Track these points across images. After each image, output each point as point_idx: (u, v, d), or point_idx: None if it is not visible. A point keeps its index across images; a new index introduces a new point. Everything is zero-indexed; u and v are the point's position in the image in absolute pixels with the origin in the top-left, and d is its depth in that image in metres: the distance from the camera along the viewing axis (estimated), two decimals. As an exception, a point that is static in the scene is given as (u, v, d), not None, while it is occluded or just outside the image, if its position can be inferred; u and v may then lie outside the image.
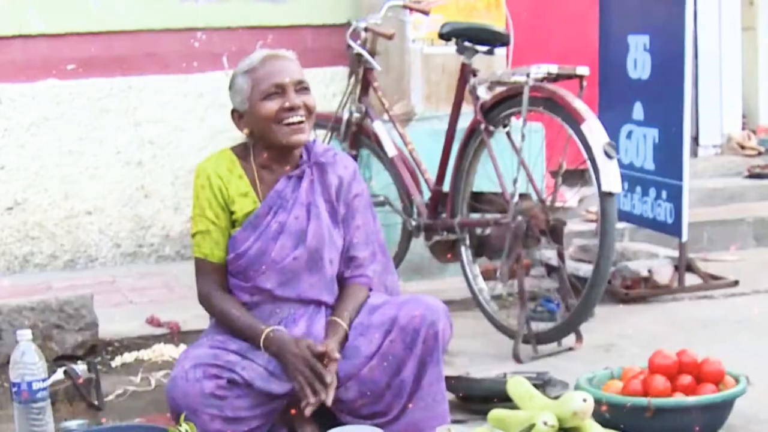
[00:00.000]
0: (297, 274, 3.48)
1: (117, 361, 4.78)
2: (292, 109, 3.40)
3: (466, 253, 4.95)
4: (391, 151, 5.30)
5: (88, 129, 6.50)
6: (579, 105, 4.36)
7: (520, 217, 4.51)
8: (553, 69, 4.49)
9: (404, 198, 5.29)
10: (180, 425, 2.95)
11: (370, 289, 3.58)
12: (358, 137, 5.47)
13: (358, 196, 3.59)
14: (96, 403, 3.72)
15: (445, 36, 4.89)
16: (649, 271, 5.41)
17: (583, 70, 4.47)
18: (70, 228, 6.49)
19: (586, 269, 5.52)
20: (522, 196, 4.59)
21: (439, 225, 5.03)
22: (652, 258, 5.57)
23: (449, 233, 4.98)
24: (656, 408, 3.26)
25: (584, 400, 3.15)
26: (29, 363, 3.42)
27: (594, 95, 6.01)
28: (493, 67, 5.90)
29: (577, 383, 3.54)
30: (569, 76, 4.53)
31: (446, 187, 5.04)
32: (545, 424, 3.13)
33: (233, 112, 3.53)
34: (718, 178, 7.64)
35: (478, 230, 4.90)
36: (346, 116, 5.45)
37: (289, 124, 3.41)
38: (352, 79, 5.43)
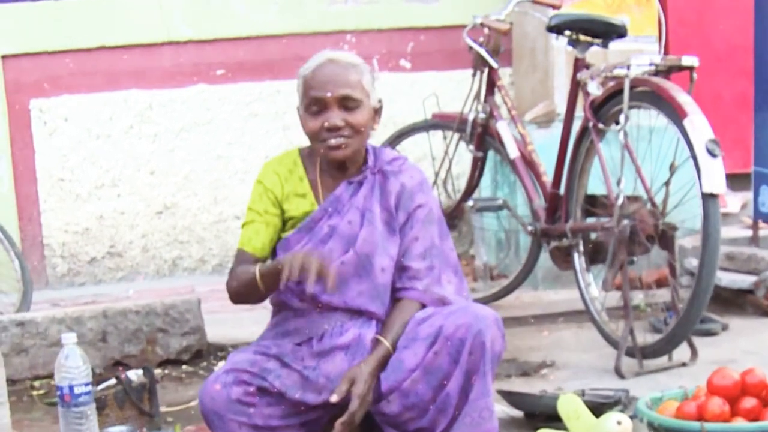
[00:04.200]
0: (345, 279, 3.29)
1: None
2: (330, 130, 3.22)
3: (579, 260, 4.65)
4: (513, 153, 5.05)
5: (237, 134, 6.52)
6: (683, 99, 4.00)
7: (625, 221, 4.18)
8: (656, 59, 4.14)
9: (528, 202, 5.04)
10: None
11: (424, 306, 3.32)
12: (484, 138, 5.25)
13: (421, 207, 3.34)
14: (146, 409, 3.63)
15: (554, 28, 4.61)
16: (796, 281, 4.94)
17: (690, 60, 4.10)
18: (219, 232, 6.52)
19: (729, 279, 5.13)
20: (632, 198, 4.26)
21: (556, 230, 4.75)
22: (803, 267, 5.09)
23: (565, 239, 4.69)
24: (711, 434, 2.91)
25: (618, 423, 2.85)
26: (72, 367, 3.39)
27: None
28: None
29: (637, 403, 3.22)
30: (678, 68, 4.17)
31: (563, 190, 4.75)
32: (575, 447, 2.85)
33: (298, 110, 3.35)
34: None
35: (593, 235, 4.59)
36: (471, 117, 5.24)
37: (327, 145, 3.23)
38: (476, 79, 5.21)
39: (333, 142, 3.21)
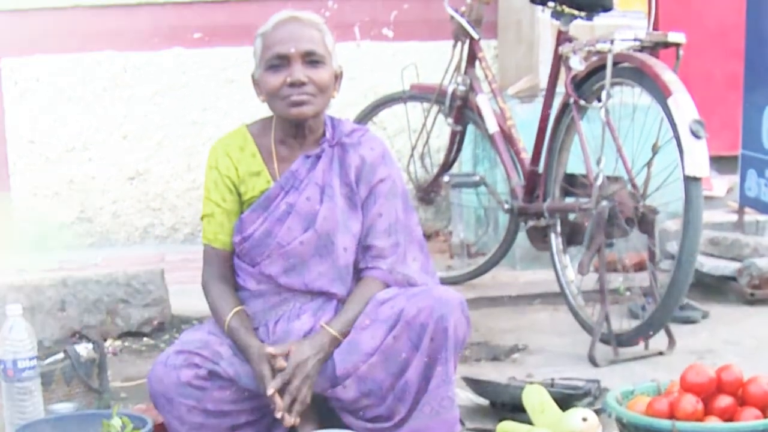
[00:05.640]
0: (304, 260, 3.14)
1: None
2: (293, 85, 3.06)
3: (555, 240, 4.49)
4: (492, 128, 4.89)
5: (213, 99, 6.34)
6: (668, 76, 3.83)
7: (604, 203, 4.02)
8: (641, 35, 3.96)
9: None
10: (112, 418, 2.66)
11: (388, 285, 3.16)
12: (463, 111, 5.08)
13: (383, 181, 3.19)
14: (95, 385, 3.47)
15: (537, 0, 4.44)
16: (780, 269, 4.79)
17: (677, 36, 3.92)
18: (192, 200, 6.34)
19: (711, 265, 4.98)
20: (613, 179, 4.10)
21: (533, 209, 4.59)
22: (788, 255, 4.93)
23: (542, 218, 4.53)
24: (682, 433, 2.76)
25: (584, 419, 2.71)
26: (16, 340, 3.23)
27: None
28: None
29: (606, 397, 3.07)
30: (665, 45, 4.00)
31: (542, 168, 4.58)
32: (537, 443, 2.70)
33: (252, 77, 3.21)
34: None
35: (571, 216, 4.43)
36: (450, 89, 5.06)
37: (290, 101, 3.07)
38: (456, 50, 5.04)
39: (296, 97, 3.06)
